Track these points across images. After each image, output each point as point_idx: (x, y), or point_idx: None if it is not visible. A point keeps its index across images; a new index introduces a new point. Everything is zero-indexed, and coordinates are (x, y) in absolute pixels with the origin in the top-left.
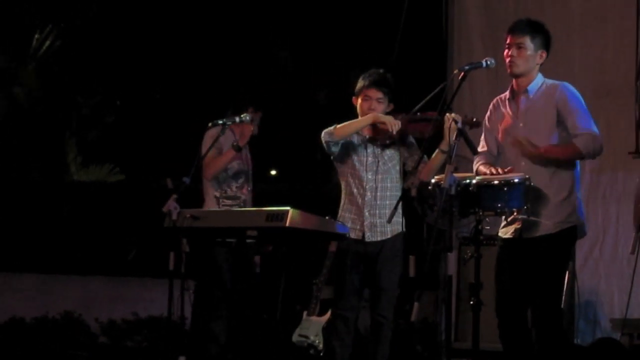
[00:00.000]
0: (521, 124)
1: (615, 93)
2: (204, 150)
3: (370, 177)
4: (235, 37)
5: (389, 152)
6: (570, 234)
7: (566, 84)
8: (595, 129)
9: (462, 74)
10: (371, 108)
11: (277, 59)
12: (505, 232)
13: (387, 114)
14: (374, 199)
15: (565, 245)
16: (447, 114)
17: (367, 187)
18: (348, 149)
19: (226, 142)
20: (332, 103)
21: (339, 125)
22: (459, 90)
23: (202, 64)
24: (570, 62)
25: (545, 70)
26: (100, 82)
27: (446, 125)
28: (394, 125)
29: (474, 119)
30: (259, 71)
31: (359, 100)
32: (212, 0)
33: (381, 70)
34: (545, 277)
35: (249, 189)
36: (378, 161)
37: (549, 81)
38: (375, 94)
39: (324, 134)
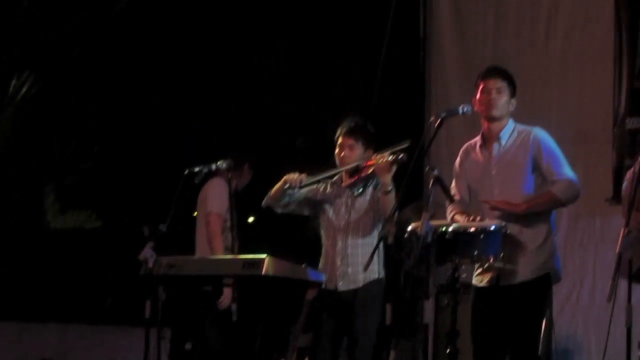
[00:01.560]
0: (494, 172)
1: (592, 139)
2: (212, 203)
3: (342, 226)
4: (214, 81)
5: (360, 200)
6: (546, 281)
7: (538, 128)
8: (571, 173)
9: (439, 121)
10: (342, 155)
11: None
12: (480, 280)
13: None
14: (344, 248)
15: (542, 292)
16: (375, 155)
17: (337, 236)
18: (322, 201)
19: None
20: (310, 148)
21: (271, 192)
22: (436, 137)
23: (180, 110)
24: (548, 108)
25: (522, 116)
26: (77, 128)
27: (377, 167)
28: (294, 181)
29: (401, 156)
30: (238, 115)
31: (337, 149)
32: (187, 41)
33: (356, 118)
34: (523, 324)
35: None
36: (350, 210)
37: (521, 126)
38: (347, 141)
39: (264, 200)
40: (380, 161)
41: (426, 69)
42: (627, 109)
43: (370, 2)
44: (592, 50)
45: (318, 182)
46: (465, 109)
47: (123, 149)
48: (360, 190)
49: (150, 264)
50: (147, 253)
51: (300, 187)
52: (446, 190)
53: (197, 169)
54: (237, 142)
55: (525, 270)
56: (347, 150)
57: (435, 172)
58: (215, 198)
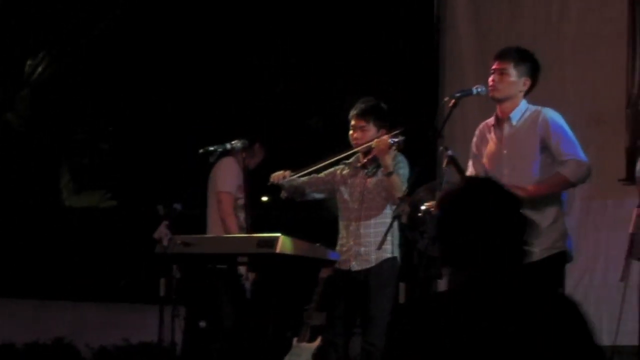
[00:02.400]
0: (505, 151)
1: (606, 120)
2: (222, 182)
3: (356, 207)
4: (228, 61)
5: (373, 180)
6: (558, 261)
7: (547, 109)
8: (580, 153)
9: (453, 101)
10: (354, 137)
11: (270, 84)
12: None
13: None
14: (357, 228)
15: (553, 272)
16: (376, 139)
17: (352, 217)
18: (339, 182)
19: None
20: (324, 129)
21: None
22: (450, 117)
23: (195, 90)
24: (563, 89)
25: (537, 97)
26: (94, 108)
27: (376, 150)
28: (276, 178)
29: (397, 139)
30: (251, 96)
31: (350, 131)
32: (204, 24)
33: (369, 99)
34: None
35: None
36: (363, 191)
37: (532, 107)
38: (359, 122)
39: (281, 193)
40: (377, 144)
41: (440, 49)
42: None
43: None
44: (605, 32)
45: (303, 175)
46: (479, 90)
47: (138, 128)
48: (373, 170)
49: (165, 243)
50: (162, 232)
51: (283, 183)
52: (460, 170)
53: (211, 148)
54: (250, 121)
55: (535, 249)
56: (358, 132)
57: (449, 152)
58: (226, 177)
